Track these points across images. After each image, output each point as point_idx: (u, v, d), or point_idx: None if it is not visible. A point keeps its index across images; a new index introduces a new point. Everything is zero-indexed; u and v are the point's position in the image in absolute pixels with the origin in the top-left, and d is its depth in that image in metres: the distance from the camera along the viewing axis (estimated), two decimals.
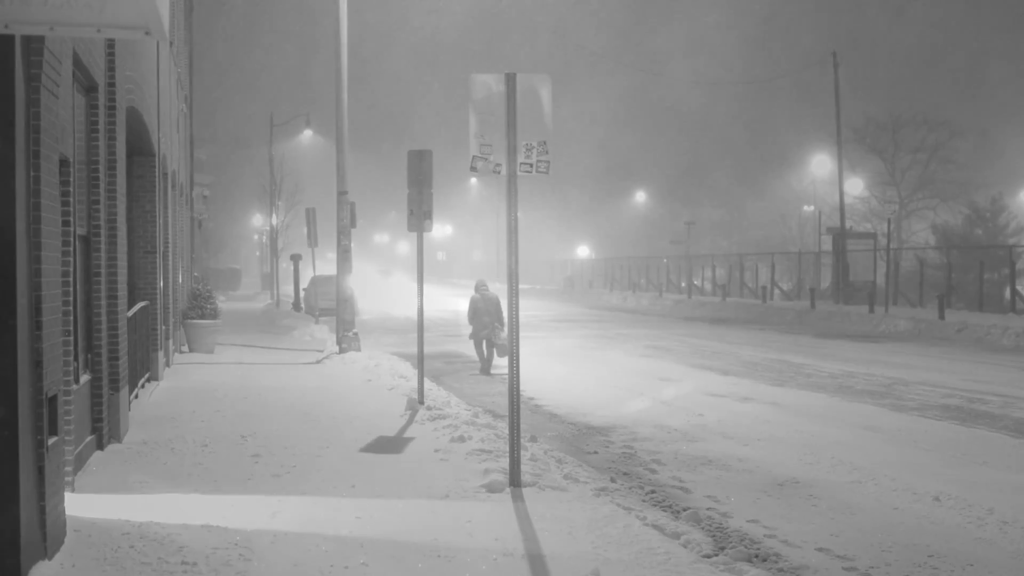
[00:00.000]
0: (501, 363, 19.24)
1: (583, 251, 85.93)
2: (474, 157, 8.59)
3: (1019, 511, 8.42)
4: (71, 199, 8.76)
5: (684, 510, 8.36)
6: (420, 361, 14.05)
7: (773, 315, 38.24)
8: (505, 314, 8.67)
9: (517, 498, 8.16)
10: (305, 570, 6.31)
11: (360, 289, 31.10)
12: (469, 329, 19.60)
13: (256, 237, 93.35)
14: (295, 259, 39.88)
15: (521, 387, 8.89)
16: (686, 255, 58.81)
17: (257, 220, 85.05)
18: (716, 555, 6.92)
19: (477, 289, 19.93)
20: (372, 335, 26.26)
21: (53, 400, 6.44)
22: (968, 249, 41.10)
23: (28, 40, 6.03)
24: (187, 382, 15.97)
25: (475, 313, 19.39)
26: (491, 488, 8.47)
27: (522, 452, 8.94)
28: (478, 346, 19.38)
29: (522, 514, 7.69)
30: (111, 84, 10.69)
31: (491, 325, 19.15)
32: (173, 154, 20.80)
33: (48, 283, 6.32)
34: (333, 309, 25.81)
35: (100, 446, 10.04)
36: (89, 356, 10.02)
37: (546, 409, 14.28)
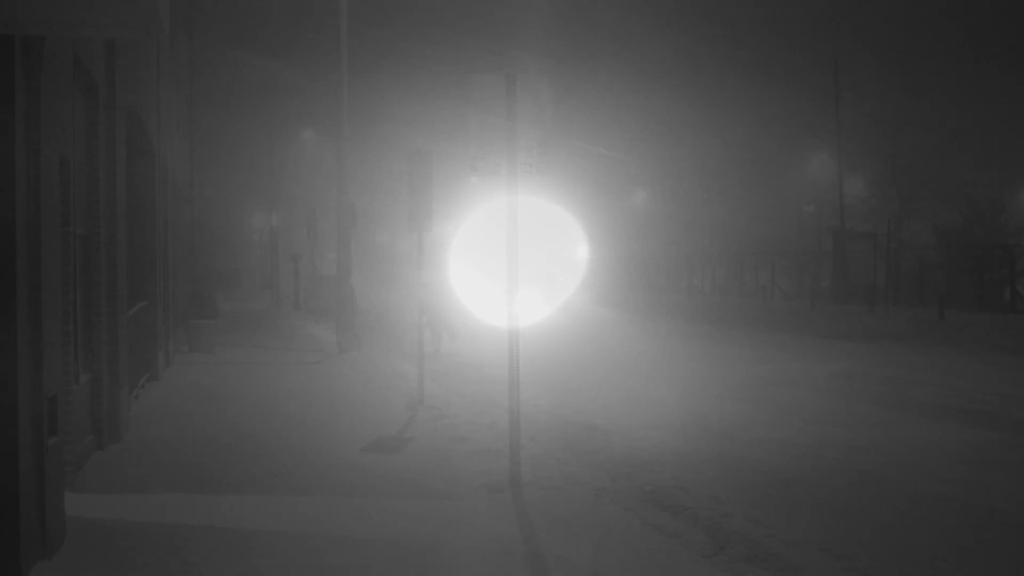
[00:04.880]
0: (455, 348, 21.94)
1: (582, 251, 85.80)
2: (474, 157, 8.60)
3: (1020, 511, 8.42)
4: (71, 199, 8.76)
5: (684, 510, 8.36)
6: (420, 361, 14.05)
7: (773, 315, 38.20)
8: (512, 307, 8.74)
9: (517, 498, 8.16)
10: (305, 570, 6.31)
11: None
12: (452, 320, 21.90)
13: (256, 237, 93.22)
14: (295, 259, 39.89)
15: (521, 387, 8.89)
16: (685, 255, 58.78)
17: (257, 220, 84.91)
18: (716, 555, 6.92)
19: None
20: (372, 335, 26.22)
21: (53, 400, 6.43)
22: (968, 249, 41.04)
23: (28, 40, 6.03)
24: (187, 382, 15.96)
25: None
26: (491, 488, 8.47)
27: (522, 452, 8.94)
28: (433, 331, 21.93)
29: (522, 514, 7.69)
30: (111, 84, 10.68)
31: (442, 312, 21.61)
32: (173, 154, 20.80)
33: (48, 283, 6.32)
34: (333, 309, 25.84)
35: (100, 446, 10.04)
36: (89, 356, 10.01)
37: (546, 409, 14.26)
